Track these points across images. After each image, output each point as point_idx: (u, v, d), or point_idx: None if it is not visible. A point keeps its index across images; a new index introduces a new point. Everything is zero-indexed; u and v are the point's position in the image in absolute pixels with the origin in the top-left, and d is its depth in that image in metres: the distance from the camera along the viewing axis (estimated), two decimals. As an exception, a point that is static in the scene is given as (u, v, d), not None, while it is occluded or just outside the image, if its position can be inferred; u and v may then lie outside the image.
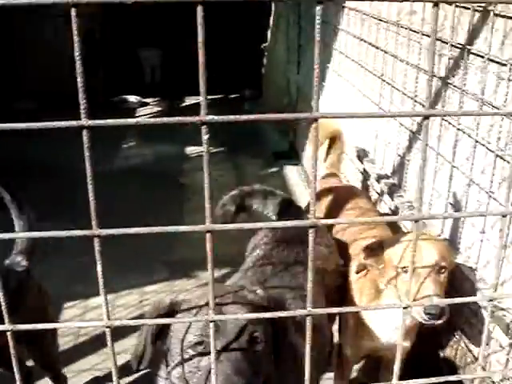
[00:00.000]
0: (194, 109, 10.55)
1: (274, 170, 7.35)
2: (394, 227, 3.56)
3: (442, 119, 3.27)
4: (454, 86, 3.13)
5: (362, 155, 4.59)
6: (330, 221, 1.07)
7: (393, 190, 3.90)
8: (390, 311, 2.74)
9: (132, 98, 10.34)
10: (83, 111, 0.92)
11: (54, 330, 3.21)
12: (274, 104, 8.91)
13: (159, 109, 10.41)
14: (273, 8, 8.81)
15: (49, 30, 9.54)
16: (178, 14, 10.23)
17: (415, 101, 3.63)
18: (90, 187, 0.99)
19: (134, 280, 4.75)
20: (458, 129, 3.07)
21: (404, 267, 2.54)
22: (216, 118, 0.97)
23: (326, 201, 3.61)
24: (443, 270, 2.51)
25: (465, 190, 3.03)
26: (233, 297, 1.86)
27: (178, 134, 8.16)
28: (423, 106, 3.53)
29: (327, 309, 1.64)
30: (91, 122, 0.92)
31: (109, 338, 1.07)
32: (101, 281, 1.04)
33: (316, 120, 0.96)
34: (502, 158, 2.68)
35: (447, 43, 3.17)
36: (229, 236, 2.84)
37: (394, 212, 3.86)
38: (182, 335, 1.76)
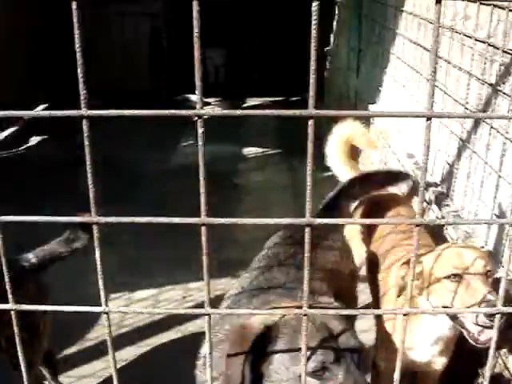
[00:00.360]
0: (255, 110, 10.56)
1: (328, 174, 7.27)
2: (436, 236, 3.47)
3: (491, 128, 3.17)
4: (504, 93, 3.04)
5: (412, 163, 4.51)
6: (325, 220, 1.05)
7: (440, 199, 3.81)
8: (428, 324, 2.63)
9: (194, 97, 10.44)
10: (83, 101, 0.95)
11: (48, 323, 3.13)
12: (335, 108, 8.84)
13: (220, 109, 10.50)
14: (336, 11, 8.76)
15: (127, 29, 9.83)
16: (242, 14, 10.29)
17: (466, 108, 3.54)
18: (89, 175, 1.01)
19: (179, 276, 4.78)
20: (506, 138, 2.97)
21: (451, 275, 2.40)
22: (211, 111, 0.97)
23: (367, 207, 3.55)
24: (489, 273, 2.39)
25: (510, 200, 2.93)
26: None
27: (237, 135, 8.22)
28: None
29: (324, 309, 1.56)
30: (90, 112, 0.95)
31: (106, 324, 1.08)
32: (99, 267, 1.05)
33: (311, 118, 0.94)
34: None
35: (499, 49, 3.08)
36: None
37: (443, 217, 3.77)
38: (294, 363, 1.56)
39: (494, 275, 2.47)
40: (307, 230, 1.03)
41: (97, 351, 3.82)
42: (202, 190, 1.01)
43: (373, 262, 3.28)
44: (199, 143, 0.94)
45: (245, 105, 10.75)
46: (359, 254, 3.51)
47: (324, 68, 10.08)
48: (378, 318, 2.95)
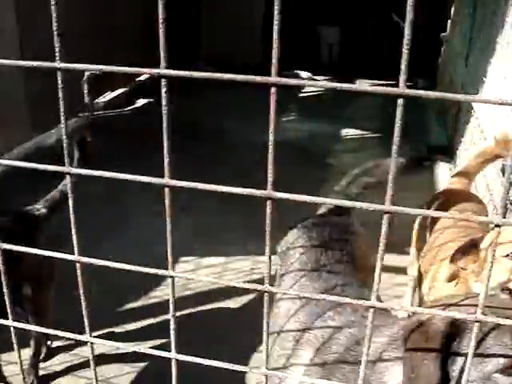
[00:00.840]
0: (362, 93, 10.38)
1: (426, 164, 7.08)
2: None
3: None
4: None
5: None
6: (285, 195, 1.02)
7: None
8: None
9: (303, 74, 10.44)
10: (58, 54, 0.95)
11: (51, 280, 3.17)
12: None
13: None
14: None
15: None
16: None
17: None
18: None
19: (251, 246, 4.80)
20: None
21: (510, 253, 2.30)
22: (173, 72, 0.95)
23: (439, 201, 3.45)
24: None
25: None
26: None
27: (339, 114, 8.14)
28: None
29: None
30: (63, 65, 0.95)
31: (79, 273, 1.09)
32: (72, 217, 1.05)
33: (275, 85, 0.91)
34: None
35: None
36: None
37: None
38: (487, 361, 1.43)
39: None
40: (268, 202, 1.00)
41: (160, 308, 3.97)
42: (166, 151, 0.99)
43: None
44: (163, 104, 0.93)
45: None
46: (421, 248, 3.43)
47: (439, 54, 9.78)
48: None
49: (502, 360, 1.38)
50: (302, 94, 9.84)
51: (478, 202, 3.47)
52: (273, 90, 0.90)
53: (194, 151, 6.56)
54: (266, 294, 1.01)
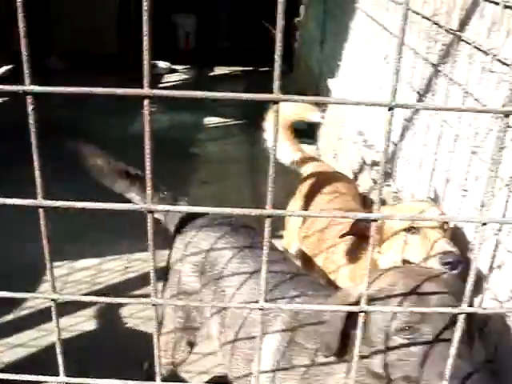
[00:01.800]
0: (222, 79, 10.48)
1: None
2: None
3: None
4: (444, 74, 2.97)
5: (361, 140, 4.45)
6: (166, 207, 0.97)
7: (383, 179, 3.75)
8: None
9: (161, 64, 10.26)
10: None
11: None
12: (302, 81, 8.74)
13: (187, 76, 10.32)
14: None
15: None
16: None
17: (410, 86, 3.47)
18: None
19: (123, 246, 4.71)
20: (443, 120, 2.92)
21: (410, 228, 2.40)
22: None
23: (309, 183, 3.50)
24: (446, 227, 2.42)
25: (444, 183, 2.88)
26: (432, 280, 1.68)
27: (198, 103, 8.08)
28: (418, 92, 3.38)
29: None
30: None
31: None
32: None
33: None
34: (476, 154, 2.54)
35: (442, 27, 3.00)
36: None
37: (383, 201, 3.72)
38: (384, 323, 1.61)
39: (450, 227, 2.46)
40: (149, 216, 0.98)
41: (32, 319, 3.80)
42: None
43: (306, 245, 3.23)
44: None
45: (213, 73, 10.59)
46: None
47: (293, 39, 9.95)
48: None
49: (399, 322, 1.57)
50: (161, 85, 9.69)
51: (346, 181, 3.57)
52: (145, 102, 0.89)
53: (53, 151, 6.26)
54: (154, 305, 1.01)
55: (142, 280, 4.36)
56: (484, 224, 0.94)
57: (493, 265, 2.37)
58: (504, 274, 2.31)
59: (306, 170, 3.78)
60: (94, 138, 6.82)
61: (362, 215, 1.04)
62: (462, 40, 2.76)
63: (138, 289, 4.24)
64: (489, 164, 2.40)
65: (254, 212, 0.95)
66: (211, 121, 7.86)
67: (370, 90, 4.55)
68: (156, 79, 9.77)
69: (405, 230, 2.40)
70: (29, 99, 0.86)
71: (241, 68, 10.70)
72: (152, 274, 0.98)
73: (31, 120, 0.87)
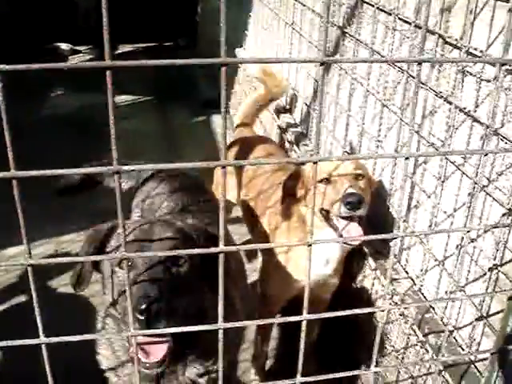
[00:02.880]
0: (128, 56, 10.37)
1: (202, 118, 7.33)
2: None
3: (340, 69, 3.32)
4: (350, 36, 3.17)
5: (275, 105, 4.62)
6: (132, 167, 1.08)
7: (299, 139, 3.95)
8: (319, 246, 2.69)
9: (63, 46, 10.08)
10: None
11: None
12: (208, 53, 8.81)
13: (91, 56, 10.17)
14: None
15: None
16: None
17: (318, 49, 3.66)
18: None
19: (51, 230, 4.71)
20: (353, 78, 3.12)
21: (322, 179, 2.55)
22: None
23: (236, 149, 3.63)
24: (361, 178, 2.56)
25: (358, 137, 3.09)
26: (162, 221, 1.96)
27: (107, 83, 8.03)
28: (327, 55, 3.57)
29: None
30: None
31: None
32: None
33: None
34: (387, 107, 2.75)
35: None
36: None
37: (303, 162, 3.92)
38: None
39: (366, 178, 2.59)
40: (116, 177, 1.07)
41: None
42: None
43: (248, 206, 3.38)
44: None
45: (117, 52, 10.48)
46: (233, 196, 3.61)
47: (196, 11, 9.99)
48: (269, 251, 3.02)
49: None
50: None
51: (272, 143, 3.75)
52: (108, 73, 0.91)
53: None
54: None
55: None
56: (407, 158, 1.11)
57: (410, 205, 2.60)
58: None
59: (236, 133, 3.95)
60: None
61: (302, 159, 1.18)
62: (365, 2, 2.97)
63: (68, 269, 4.29)
64: (398, 114, 2.63)
65: (201, 164, 1.06)
66: (121, 99, 7.83)
67: (279, 56, 4.72)
68: (60, 61, 9.60)
69: (320, 181, 2.56)
70: None
71: (144, 44, 10.65)
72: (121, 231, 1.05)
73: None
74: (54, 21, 10.32)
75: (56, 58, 9.83)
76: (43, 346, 1.10)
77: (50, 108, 7.69)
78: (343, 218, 2.49)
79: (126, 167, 1.08)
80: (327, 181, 2.55)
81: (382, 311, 1.33)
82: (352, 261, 3.01)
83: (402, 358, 2.62)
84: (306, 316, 1.20)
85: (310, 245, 1.16)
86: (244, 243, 4.25)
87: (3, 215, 4.80)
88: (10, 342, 1.07)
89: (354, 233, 2.50)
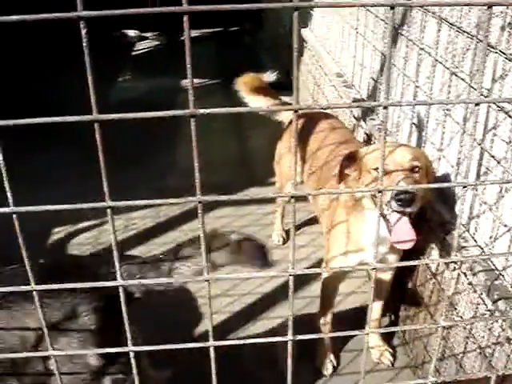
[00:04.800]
0: (194, 41, 10.45)
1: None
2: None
3: (408, 40, 3.29)
4: (417, 7, 3.14)
5: (341, 81, 4.62)
6: (208, 110, 1.11)
7: (366, 114, 3.94)
8: (373, 223, 2.72)
9: (131, 33, 10.31)
10: None
11: None
12: (272, 36, 8.85)
13: (158, 42, 10.37)
14: None
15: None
16: None
17: (385, 22, 3.64)
18: None
19: (122, 207, 4.84)
20: (421, 48, 3.09)
21: (377, 168, 2.53)
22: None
23: (301, 122, 3.66)
24: (417, 169, 2.52)
25: (426, 108, 3.07)
26: None
27: (173, 67, 8.16)
28: (395, 28, 3.54)
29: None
30: None
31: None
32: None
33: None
34: (456, 75, 2.72)
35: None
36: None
37: (369, 136, 3.91)
38: None
39: (424, 170, 2.56)
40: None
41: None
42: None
43: (312, 178, 3.42)
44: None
45: (182, 38, 10.61)
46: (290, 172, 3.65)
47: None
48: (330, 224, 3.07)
49: None
50: (134, 53, 9.75)
51: (334, 118, 3.77)
52: (185, 18, 0.97)
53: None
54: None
55: (142, 237, 4.55)
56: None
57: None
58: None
59: (288, 114, 3.98)
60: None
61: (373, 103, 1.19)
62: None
63: (139, 244, 4.43)
64: (468, 81, 2.60)
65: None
66: (188, 83, 7.93)
67: (344, 36, 4.71)
68: (128, 48, 9.83)
69: (375, 168, 2.56)
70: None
71: (210, 30, 10.76)
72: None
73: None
74: (122, 7, 10.51)
75: (124, 44, 10.06)
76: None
77: (118, 92, 7.88)
78: (394, 211, 2.47)
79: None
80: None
81: (453, 263, 1.33)
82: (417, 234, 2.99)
83: (470, 329, 2.60)
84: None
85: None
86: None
87: (72, 198, 5.03)
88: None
89: (404, 234, 2.49)
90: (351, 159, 2.72)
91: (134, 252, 4.26)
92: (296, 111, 0.97)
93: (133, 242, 4.44)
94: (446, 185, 1.39)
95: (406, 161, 2.50)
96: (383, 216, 2.54)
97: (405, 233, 2.51)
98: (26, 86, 7.66)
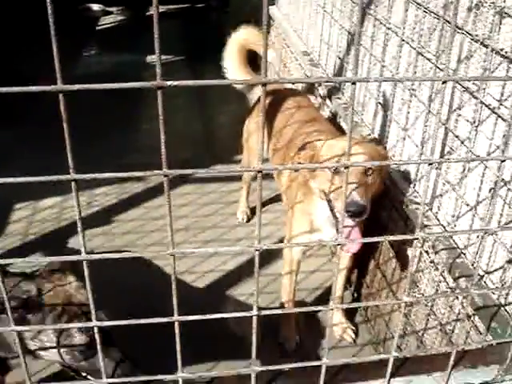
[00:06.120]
0: (159, 18, 10.29)
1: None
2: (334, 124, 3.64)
3: (375, 19, 3.29)
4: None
5: (308, 60, 4.61)
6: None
7: (332, 93, 3.95)
8: (323, 208, 2.75)
9: (95, 7, 10.13)
10: None
11: None
12: (238, 13, 8.77)
13: (122, 17, 10.20)
14: None
15: None
16: None
17: (353, 1, 3.63)
18: None
19: (84, 182, 4.79)
20: (388, 28, 3.09)
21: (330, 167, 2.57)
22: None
23: (269, 99, 3.64)
24: (370, 172, 2.55)
25: (392, 88, 3.08)
26: None
27: (139, 43, 8.06)
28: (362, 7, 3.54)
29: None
30: None
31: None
32: None
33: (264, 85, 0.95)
34: (422, 55, 2.73)
35: None
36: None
37: (334, 114, 3.92)
38: None
39: (377, 171, 2.61)
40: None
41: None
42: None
43: (276, 155, 3.43)
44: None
45: (148, 13, 10.48)
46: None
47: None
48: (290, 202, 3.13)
49: None
50: (99, 27, 9.59)
51: (303, 95, 3.77)
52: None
53: None
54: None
55: (106, 214, 4.51)
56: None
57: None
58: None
59: (257, 91, 3.97)
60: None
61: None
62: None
63: (102, 221, 4.40)
64: (434, 61, 2.61)
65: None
66: (153, 59, 7.84)
67: (311, 13, 4.69)
68: (93, 22, 9.66)
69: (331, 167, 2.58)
70: None
71: (176, 6, 10.62)
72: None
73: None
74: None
75: (88, 18, 9.89)
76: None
77: (83, 67, 7.76)
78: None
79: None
80: (335, 170, 2.55)
81: (415, 239, 1.34)
82: (379, 210, 3.02)
83: (432, 306, 2.64)
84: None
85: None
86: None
87: (36, 171, 4.95)
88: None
89: (353, 239, 2.54)
90: (306, 149, 2.75)
91: (97, 230, 4.24)
92: (264, 85, 0.95)
93: (96, 219, 4.40)
94: (412, 162, 1.40)
95: (361, 160, 2.51)
96: (333, 215, 2.63)
97: (353, 237, 2.57)
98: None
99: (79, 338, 1.95)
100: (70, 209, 4.57)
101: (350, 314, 3.48)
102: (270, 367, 1.19)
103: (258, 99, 3.89)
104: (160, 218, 4.35)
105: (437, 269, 2.54)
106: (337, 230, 2.66)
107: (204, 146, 5.60)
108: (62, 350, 1.96)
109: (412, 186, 2.88)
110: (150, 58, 7.90)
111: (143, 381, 1.21)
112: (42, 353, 2.01)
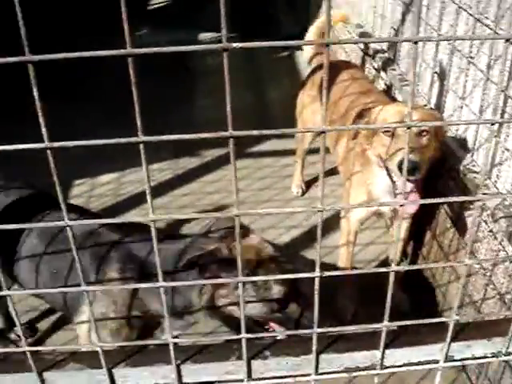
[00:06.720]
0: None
1: (284, 54, 7.32)
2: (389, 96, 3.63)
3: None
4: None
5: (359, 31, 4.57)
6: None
7: (387, 65, 3.92)
8: (382, 176, 2.77)
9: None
10: None
11: None
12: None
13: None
14: None
15: None
16: None
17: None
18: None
19: (139, 159, 4.86)
20: (444, -3, 3.05)
21: (385, 130, 2.61)
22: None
23: (319, 73, 3.65)
24: (424, 133, 2.56)
25: (449, 57, 3.04)
26: None
27: (192, 21, 8.11)
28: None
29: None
30: None
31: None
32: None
33: None
34: (480, 21, 2.69)
35: None
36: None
37: (389, 86, 3.89)
38: None
39: (432, 133, 2.60)
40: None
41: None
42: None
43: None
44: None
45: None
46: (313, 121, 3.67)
47: None
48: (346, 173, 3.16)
49: None
50: (150, 7, 9.65)
51: (356, 68, 3.76)
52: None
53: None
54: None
55: (162, 189, 4.59)
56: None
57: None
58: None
59: (313, 62, 3.96)
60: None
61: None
62: None
63: (159, 196, 4.48)
64: (493, 27, 2.57)
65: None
66: (207, 36, 7.89)
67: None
68: (143, 2, 9.72)
69: (385, 131, 2.61)
70: None
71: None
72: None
73: None
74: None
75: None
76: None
77: (138, 45, 7.81)
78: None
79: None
80: (389, 132, 2.58)
81: (477, 201, 1.34)
82: (437, 180, 3.00)
83: (490, 276, 2.62)
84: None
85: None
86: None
87: (94, 149, 5.04)
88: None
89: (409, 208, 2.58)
90: (363, 117, 2.76)
91: (154, 204, 4.30)
92: (327, 45, 0.97)
93: (152, 194, 4.46)
94: (474, 122, 1.40)
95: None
96: (391, 179, 2.63)
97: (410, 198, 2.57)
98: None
99: (278, 290, 1.97)
100: (126, 184, 4.67)
101: (406, 287, 3.47)
102: (331, 329, 1.20)
103: (312, 72, 3.88)
104: (215, 193, 4.41)
105: (495, 238, 2.52)
106: (395, 195, 2.66)
107: (258, 122, 5.61)
108: (259, 304, 1.99)
109: (470, 154, 2.85)
110: (202, 36, 7.93)
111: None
112: (232, 308, 2.04)
